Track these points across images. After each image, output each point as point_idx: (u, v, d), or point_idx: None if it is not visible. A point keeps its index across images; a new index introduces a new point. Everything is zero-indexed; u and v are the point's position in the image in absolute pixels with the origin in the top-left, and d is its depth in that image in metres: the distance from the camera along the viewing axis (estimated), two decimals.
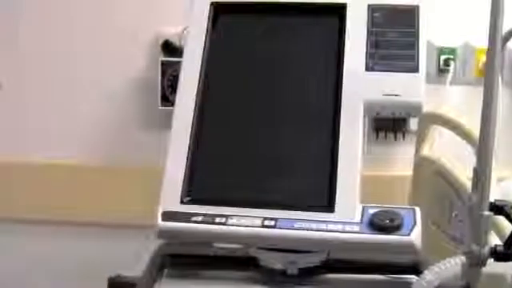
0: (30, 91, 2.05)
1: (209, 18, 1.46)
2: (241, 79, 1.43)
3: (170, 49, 1.97)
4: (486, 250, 1.06)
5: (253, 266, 1.33)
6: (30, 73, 2.05)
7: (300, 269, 1.30)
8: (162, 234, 1.30)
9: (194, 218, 1.27)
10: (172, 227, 1.28)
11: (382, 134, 1.97)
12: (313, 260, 1.31)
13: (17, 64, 2.05)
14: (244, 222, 1.25)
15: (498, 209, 1.08)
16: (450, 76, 1.93)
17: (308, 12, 1.46)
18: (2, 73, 2.05)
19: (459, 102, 1.95)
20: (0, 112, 2.07)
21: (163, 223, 1.28)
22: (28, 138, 2.06)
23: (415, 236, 1.21)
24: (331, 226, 1.24)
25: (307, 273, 1.31)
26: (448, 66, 1.94)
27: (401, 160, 1.98)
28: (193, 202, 1.30)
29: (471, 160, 1.12)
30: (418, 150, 1.74)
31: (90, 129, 2.05)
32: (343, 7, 1.43)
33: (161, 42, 1.98)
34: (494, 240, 1.20)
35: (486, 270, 1.09)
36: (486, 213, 1.06)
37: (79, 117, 2.05)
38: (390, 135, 1.98)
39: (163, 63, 1.96)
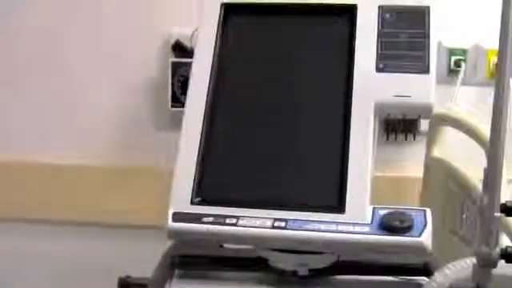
0: (38, 91, 2.05)
1: (219, 19, 1.46)
2: (251, 80, 1.43)
3: (181, 49, 1.97)
4: (497, 251, 1.06)
5: (263, 267, 1.32)
6: (38, 72, 2.05)
7: (310, 270, 1.30)
8: (173, 234, 1.30)
9: (205, 219, 1.27)
10: (182, 228, 1.28)
11: (392, 135, 1.97)
12: (323, 261, 1.31)
13: (22, 62, 2.05)
14: (254, 223, 1.26)
15: (508, 210, 1.08)
16: (460, 77, 1.92)
17: (318, 13, 1.46)
18: (8, 71, 2.06)
19: (470, 103, 1.94)
20: (6, 109, 2.07)
21: (174, 224, 1.28)
22: (36, 138, 2.07)
23: (426, 237, 1.21)
24: (341, 227, 1.24)
25: (318, 274, 1.31)
26: (459, 67, 1.93)
27: (411, 161, 1.97)
28: (203, 202, 1.30)
29: (482, 161, 1.11)
30: (428, 151, 1.73)
31: (100, 129, 2.05)
32: (354, 8, 1.43)
33: (171, 42, 1.98)
34: (505, 241, 1.19)
35: (496, 271, 1.09)
36: (497, 214, 1.06)
37: (89, 117, 2.05)
38: (401, 136, 1.97)
39: (174, 64, 1.96)
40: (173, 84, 1.96)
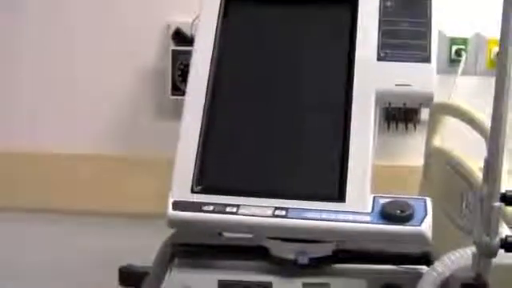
0: (37, 80, 2.05)
1: (220, 7, 1.46)
2: (252, 68, 1.43)
3: (181, 38, 1.96)
4: (497, 240, 1.06)
5: (263, 256, 1.32)
6: (37, 61, 2.05)
7: (311, 258, 1.30)
8: (173, 223, 1.30)
9: (205, 208, 1.27)
10: (183, 217, 1.28)
11: (393, 125, 1.97)
12: (323, 250, 1.31)
13: (22, 56, 2.05)
14: (255, 212, 1.26)
15: (508, 199, 1.08)
16: (461, 66, 1.92)
17: (320, 1, 1.46)
18: (7, 61, 2.06)
19: (470, 92, 1.94)
20: (3, 98, 2.08)
21: (174, 212, 1.28)
22: (34, 128, 2.06)
23: (426, 226, 1.22)
24: (342, 216, 1.24)
25: (318, 262, 1.31)
26: (459, 56, 1.93)
27: (412, 150, 1.97)
28: (203, 191, 1.30)
29: (482, 151, 1.11)
30: (429, 141, 1.73)
31: (100, 118, 2.05)
32: None
33: (172, 30, 1.98)
34: (505, 231, 1.19)
35: (496, 260, 1.09)
36: (497, 203, 1.06)
37: (89, 106, 2.05)
38: (401, 125, 1.97)
39: (174, 52, 1.96)
40: (173, 72, 1.96)
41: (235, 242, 1.36)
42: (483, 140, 1.39)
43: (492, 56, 1.92)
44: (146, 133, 2.04)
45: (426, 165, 1.75)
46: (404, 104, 1.38)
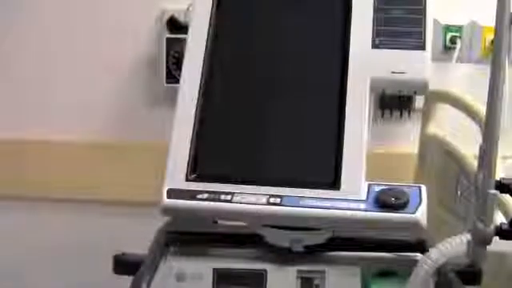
0: (35, 68, 2.05)
1: None
2: (246, 55, 1.42)
3: (176, 25, 1.96)
4: (492, 228, 1.06)
5: (258, 244, 1.33)
6: (34, 51, 2.04)
7: (305, 246, 1.30)
8: (167, 211, 1.30)
9: (199, 196, 1.27)
10: (177, 204, 1.28)
11: (387, 112, 1.96)
12: (318, 238, 1.31)
13: (15, 43, 2.05)
14: (249, 200, 1.25)
15: (504, 187, 1.08)
16: (456, 54, 1.92)
17: None
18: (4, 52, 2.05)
19: (465, 80, 1.94)
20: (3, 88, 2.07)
21: (168, 200, 1.28)
22: (33, 115, 2.06)
23: (421, 214, 1.21)
24: (337, 204, 1.24)
25: (312, 250, 1.31)
26: (454, 44, 1.93)
27: (406, 138, 1.97)
28: (198, 179, 1.30)
29: (477, 138, 1.11)
30: (423, 128, 1.73)
31: (95, 106, 2.05)
32: None
33: (166, 18, 1.97)
34: (500, 218, 1.20)
35: (491, 248, 1.09)
36: (492, 191, 1.06)
37: (84, 94, 2.04)
38: (396, 113, 1.97)
39: (168, 40, 1.96)
40: (167, 60, 1.96)
41: (230, 229, 1.37)
42: (478, 127, 1.39)
43: (487, 44, 1.92)
44: (141, 120, 2.04)
45: (421, 152, 1.75)
46: (399, 91, 1.37)
